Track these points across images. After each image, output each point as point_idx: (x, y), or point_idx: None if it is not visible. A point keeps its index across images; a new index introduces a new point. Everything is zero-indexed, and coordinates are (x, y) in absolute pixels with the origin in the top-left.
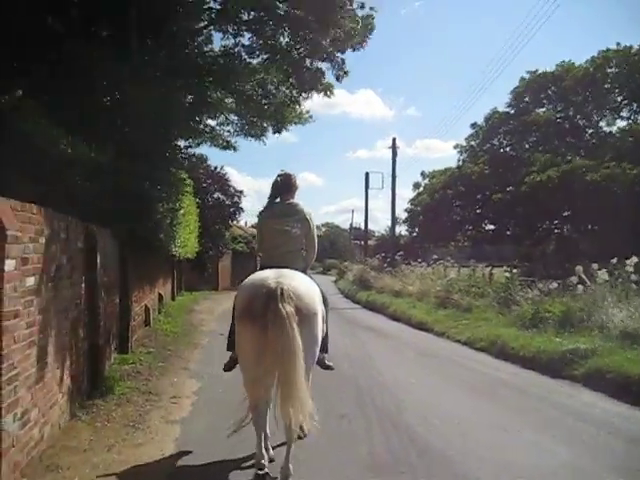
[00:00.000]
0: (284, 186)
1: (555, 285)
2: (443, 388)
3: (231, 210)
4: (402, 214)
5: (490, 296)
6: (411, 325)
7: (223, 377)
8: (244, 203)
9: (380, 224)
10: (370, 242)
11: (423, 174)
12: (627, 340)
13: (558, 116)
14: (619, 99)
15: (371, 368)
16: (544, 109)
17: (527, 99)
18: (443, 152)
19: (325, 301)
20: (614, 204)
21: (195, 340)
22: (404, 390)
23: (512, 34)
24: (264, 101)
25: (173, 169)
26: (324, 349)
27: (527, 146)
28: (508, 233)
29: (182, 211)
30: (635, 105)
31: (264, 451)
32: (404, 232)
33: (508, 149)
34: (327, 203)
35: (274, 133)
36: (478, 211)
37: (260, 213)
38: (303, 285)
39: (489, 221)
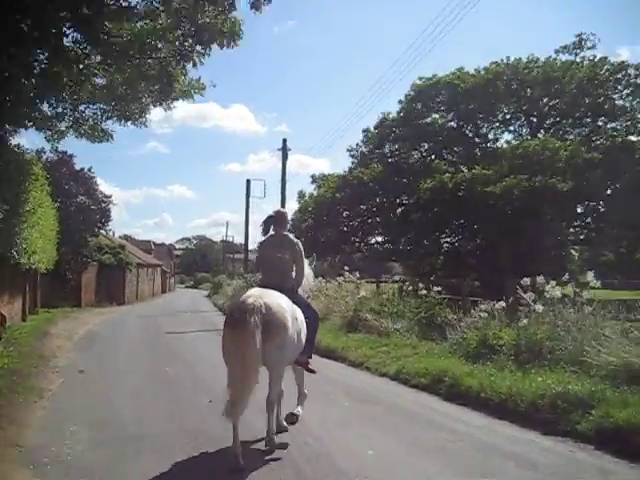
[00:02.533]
0: (278, 221)
1: (501, 306)
2: (422, 467)
3: (97, 217)
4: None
5: (406, 317)
6: (316, 352)
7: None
8: (112, 213)
9: (257, 239)
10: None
11: (314, 177)
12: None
13: (449, 125)
14: (506, 111)
15: (301, 431)
16: (436, 116)
17: (419, 106)
18: (315, 169)
19: (316, 315)
20: (509, 218)
21: (40, 384)
22: None
23: (409, 44)
24: (145, 61)
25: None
26: (308, 352)
27: (418, 155)
28: (396, 246)
29: (29, 209)
30: (522, 119)
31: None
32: None
33: (398, 157)
34: (198, 216)
35: (162, 107)
36: (369, 221)
37: (260, 243)
38: (275, 303)
39: (378, 232)
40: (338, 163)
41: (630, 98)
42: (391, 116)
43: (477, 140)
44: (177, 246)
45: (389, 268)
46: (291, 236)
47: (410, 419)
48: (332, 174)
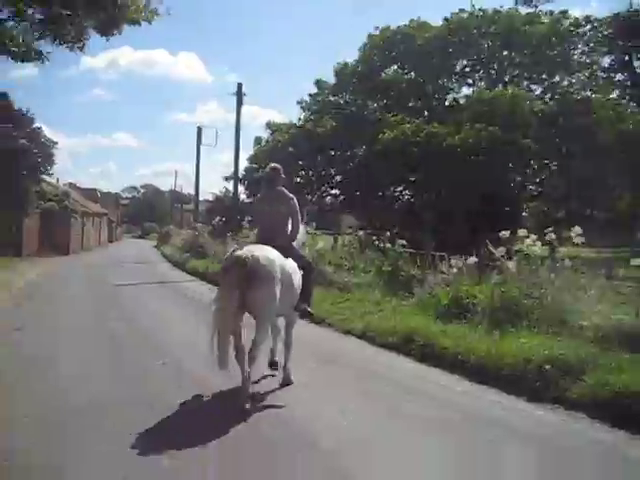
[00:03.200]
0: (273, 177)
1: (473, 261)
2: (407, 441)
3: (39, 161)
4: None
5: (367, 271)
6: None
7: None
8: (56, 160)
9: (203, 189)
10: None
11: (269, 124)
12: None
13: (407, 78)
14: (465, 63)
15: (269, 399)
16: (393, 68)
17: (376, 57)
18: (265, 119)
19: (311, 267)
20: (468, 170)
21: None
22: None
23: None
24: None
25: None
26: (306, 300)
27: (375, 108)
28: (351, 199)
29: None
30: (481, 71)
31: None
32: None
33: (355, 109)
34: (145, 165)
35: (102, 35)
36: (322, 172)
37: (256, 199)
38: (263, 255)
39: (333, 185)
40: (290, 115)
41: (588, 53)
42: (349, 66)
43: (435, 94)
44: (124, 195)
45: (344, 221)
46: (286, 191)
47: (384, 383)
48: (287, 122)
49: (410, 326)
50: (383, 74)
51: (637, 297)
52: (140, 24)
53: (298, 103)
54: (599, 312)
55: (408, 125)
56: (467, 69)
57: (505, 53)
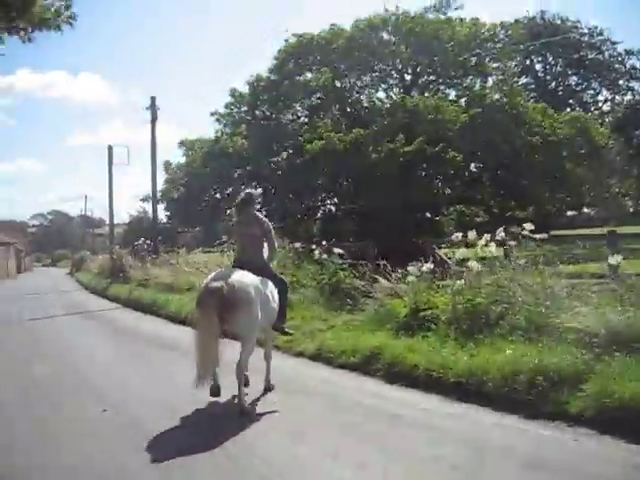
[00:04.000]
0: (247, 201)
1: (428, 268)
2: None
3: None
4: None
5: (306, 286)
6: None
7: None
8: None
9: (116, 212)
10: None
11: (183, 142)
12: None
13: (324, 84)
14: (380, 68)
15: (226, 437)
16: (310, 75)
17: (292, 65)
18: (177, 138)
19: (285, 285)
20: (388, 182)
21: None
22: None
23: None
24: None
25: None
26: (281, 319)
27: (293, 115)
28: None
29: None
30: (395, 77)
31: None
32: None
33: (273, 118)
34: (50, 191)
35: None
36: (242, 187)
37: (233, 223)
38: (237, 281)
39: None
40: (204, 130)
41: (498, 58)
42: (263, 77)
43: (352, 98)
44: (31, 223)
45: None
46: (260, 215)
47: (361, 412)
48: (201, 138)
49: (371, 344)
50: (300, 80)
51: (612, 296)
52: (50, 25)
53: (212, 115)
54: (582, 314)
55: (333, 133)
56: (382, 74)
57: (420, 57)
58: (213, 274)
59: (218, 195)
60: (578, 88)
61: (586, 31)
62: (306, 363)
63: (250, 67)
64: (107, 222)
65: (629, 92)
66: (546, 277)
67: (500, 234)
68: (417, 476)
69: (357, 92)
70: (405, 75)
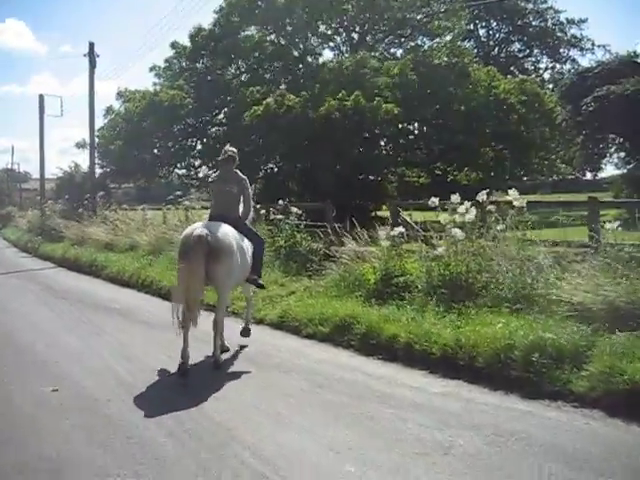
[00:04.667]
0: (228, 159)
1: (399, 232)
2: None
3: None
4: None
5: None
6: (161, 295)
7: None
8: None
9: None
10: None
11: (120, 93)
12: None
13: (269, 39)
14: (328, 25)
15: (204, 417)
16: (254, 30)
17: (235, 18)
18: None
19: (261, 240)
20: (330, 140)
21: None
22: None
23: None
24: None
25: None
26: (256, 272)
27: (235, 71)
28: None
29: None
30: (344, 35)
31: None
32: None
33: (213, 73)
34: None
35: None
36: (182, 143)
37: (212, 179)
38: (221, 232)
39: (195, 155)
40: (144, 84)
41: (447, 17)
42: (205, 29)
43: (297, 56)
44: None
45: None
46: (239, 172)
47: (346, 390)
48: (139, 90)
49: (342, 312)
50: (243, 35)
51: (603, 268)
52: None
53: (151, 70)
54: (573, 286)
55: (271, 99)
56: (329, 32)
57: (368, 16)
58: (194, 225)
59: (156, 150)
60: (520, 55)
61: None
62: (270, 332)
63: (194, 22)
64: (33, 176)
65: (569, 61)
66: (528, 245)
67: (482, 197)
68: (435, 469)
69: (303, 49)
70: (352, 34)
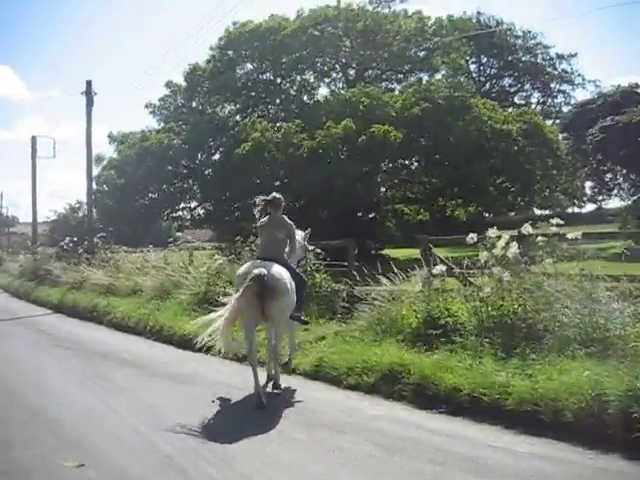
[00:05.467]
0: (274, 205)
1: (440, 271)
2: None
3: None
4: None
5: None
6: (173, 343)
7: None
8: None
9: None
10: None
11: (111, 137)
12: None
13: (265, 77)
14: (325, 61)
15: None
16: (250, 67)
17: (232, 55)
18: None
19: (303, 280)
20: (324, 174)
21: None
22: None
23: None
24: None
25: None
26: (299, 310)
27: (232, 109)
28: (213, 211)
29: None
30: (339, 71)
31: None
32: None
33: (210, 112)
34: None
35: None
36: (179, 185)
37: (260, 224)
38: (278, 272)
39: (192, 197)
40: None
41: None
42: (200, 67)
43: (294, 93)
44: None
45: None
46: (286, 218)
47: (424, 456)
48: (133, 132)
49: (388, 359)
50: (239, 72)
51: None
52: None
53: (146, 107)
54: None
55: (267, 133)
56: (325, 68)
57: (367, 52)
58: (249, 263)
59: (152, 195)
60: (512, 90)
61: (520, 34)
62: (306, 383)
63: (190, 60)
64: (20, 221)
65: (560, 95)
66: (586, 281)
67: (526, 230)
68: None
69: (298, 85)
70: (349, 70)
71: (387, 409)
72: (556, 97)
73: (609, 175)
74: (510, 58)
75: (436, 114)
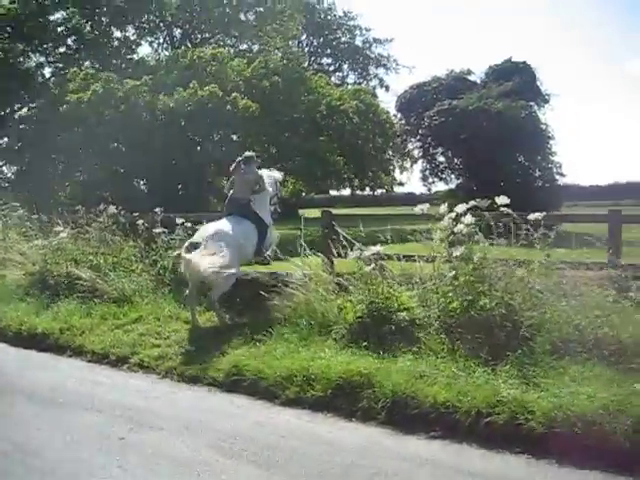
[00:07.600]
0: (247, 161)
1: (375, 250)
2: None
3: None
4: None
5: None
6: (6, 340)
7: None
8: None
9: None
10: None
11: None
12: None
13: (80, 25)
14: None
15: None
16: (63, 13)
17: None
18: None
19: (264, 224)
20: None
21: None
22: None
23: None
24: None
25: None
26: (260, 253)
27: (42, 58)
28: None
29: None
30: (164, 30)
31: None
32: None
33: (18, 61)
34: None
35: None
36: None
37: (234, 171)
38: (210, 263)
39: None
40: None
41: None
42: (7, 5)
43: (113, 45)
44: None
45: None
46: (255, 168)
47: None
48: None
49: (340, 368)
50: (51, 19)
51: None
52: None
53: None
54: None
55: (98, 84)
56: (147, 25)
57: (195, 13)
58: (201, 230)
59: None
60: (330, 69)
61: (341, 14)
62: (225, 397)
63: None
64: None
65: (375, 78)
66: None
67: (482, 203)
68: None
69: (121, 40)
70: (174, 30)
71: (365, 437)
72: (371, 80)
73: (442, 158)
74: (331, 37)
75: (278, 87)
